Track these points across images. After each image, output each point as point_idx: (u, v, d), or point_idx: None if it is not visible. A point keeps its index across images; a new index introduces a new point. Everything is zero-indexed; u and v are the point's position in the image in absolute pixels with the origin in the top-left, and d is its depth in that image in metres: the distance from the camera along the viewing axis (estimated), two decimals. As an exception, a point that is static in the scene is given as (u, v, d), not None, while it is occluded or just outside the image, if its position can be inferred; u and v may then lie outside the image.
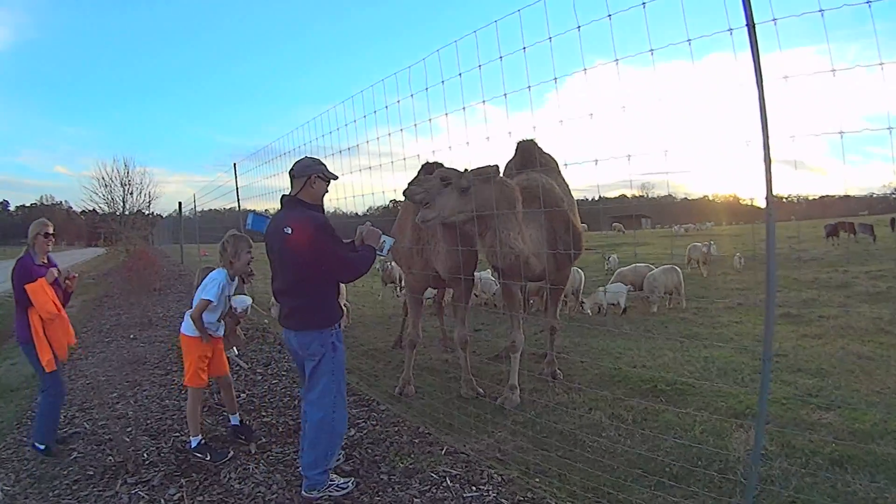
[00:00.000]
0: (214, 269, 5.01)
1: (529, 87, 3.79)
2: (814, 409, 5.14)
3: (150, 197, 39.98)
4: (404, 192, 5.34)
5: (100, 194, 40.93)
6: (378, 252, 4.21)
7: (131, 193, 40.06)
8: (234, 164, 12.29)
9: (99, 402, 6.40)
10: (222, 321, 5.09)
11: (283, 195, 4.20)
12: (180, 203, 23.92)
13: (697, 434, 4.71)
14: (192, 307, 4.92)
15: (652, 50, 2.92)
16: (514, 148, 6.36)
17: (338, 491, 4.12)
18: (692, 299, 12.04)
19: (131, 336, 10.38)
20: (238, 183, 12.19)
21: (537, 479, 4.16)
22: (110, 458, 4.97)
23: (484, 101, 4.14)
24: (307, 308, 3.97)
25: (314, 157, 4.20)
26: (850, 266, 16.62)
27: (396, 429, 5.34)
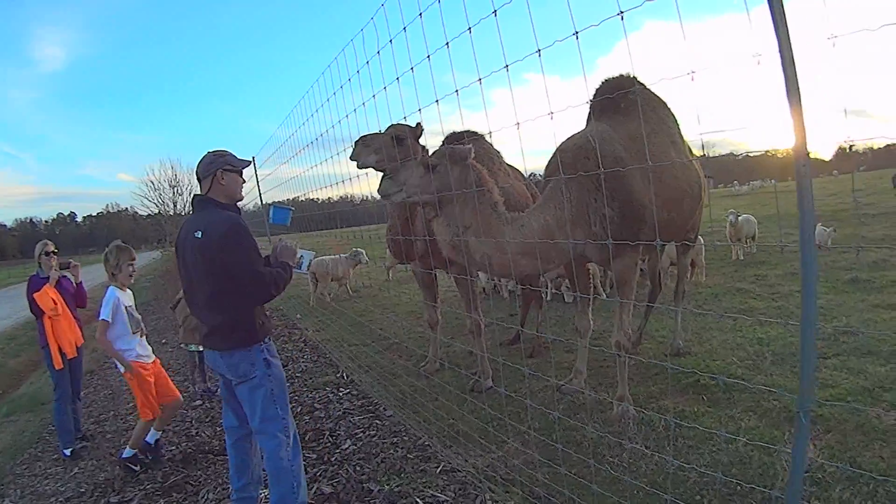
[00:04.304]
0: None
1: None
2: (887, 409, 3.98)
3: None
4: (351, 157, 4.65)
5: (150, 197, 41.82)
6: (296, 269, 3.54)
7: (180, 194, 40.69)
8: (253, 158, 11.50)
9: (114, 414, 6.44)
10: (143, 340, 4.82)
11: (195, 195, 3.50)
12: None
13: (741, 448, 3.63)
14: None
15: None
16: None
17: None
18: (751, 265, 10.66)
19: (163, 341, 10.15)
20: (258, 176, 11.57)
21: (539, 507, 3.29)
22: (104, 473, 4.82)
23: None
24: (230, 324, 3.22)
25: (219, 150, 3.48)
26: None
27: (395, 440, 4.58)
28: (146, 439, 4.82)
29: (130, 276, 4.80)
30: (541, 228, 4.06)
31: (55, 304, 5.16)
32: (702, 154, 5.14)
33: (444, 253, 4.23)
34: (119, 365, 4.68)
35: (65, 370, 5.26)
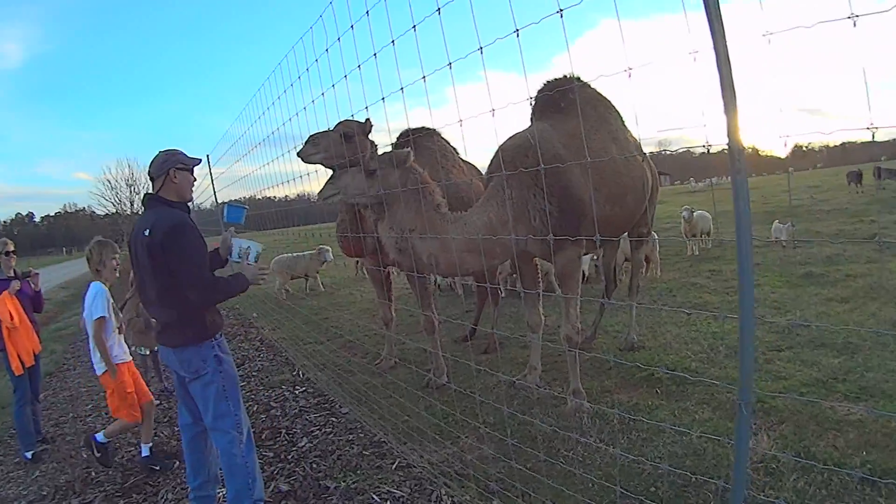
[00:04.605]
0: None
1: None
2: (840, 399, 4.07)
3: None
4: (298, 153, 4.62)
5: (107, 197, 40.98)
6: (247, 262, 3.49)
7: (137, 193, 40.01)
8: (208, 156, 11.30)
9: (73, 416, 6.27)
10: (120, 338, 4.67)
11: (147, 193, 3.47)
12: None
13: (695, 439, 3.67)
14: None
15: None
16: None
17: None
18: (705, 261, 10.82)
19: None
20: (213, 174, 11.31)
21: (495, 502, 3.29)
22: (65, 476, 4.72)
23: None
24: (181, 321, 3.19)
25: (171, 148, 3.44)
26: (877, 216, 15.09)
27: (351, 437, 4.55)
28: (143, 455, 4.65)
29: (115, 269, 4.66)
30: (484, 225, 4.17)
31: (12, 317, 5.07)
32: (657, 151, 5.20)
33: (391, 256, 4.35)
34: (97, 367, 4.51)
35: (24, 374, 5.20)
